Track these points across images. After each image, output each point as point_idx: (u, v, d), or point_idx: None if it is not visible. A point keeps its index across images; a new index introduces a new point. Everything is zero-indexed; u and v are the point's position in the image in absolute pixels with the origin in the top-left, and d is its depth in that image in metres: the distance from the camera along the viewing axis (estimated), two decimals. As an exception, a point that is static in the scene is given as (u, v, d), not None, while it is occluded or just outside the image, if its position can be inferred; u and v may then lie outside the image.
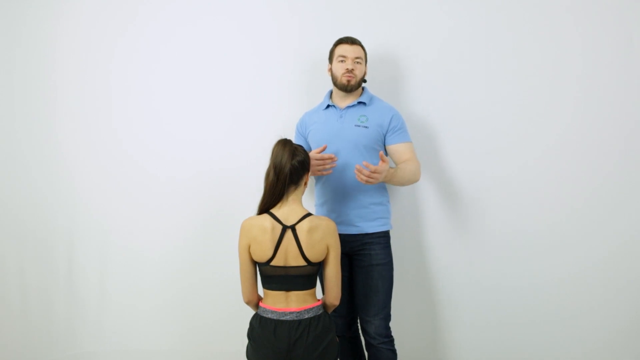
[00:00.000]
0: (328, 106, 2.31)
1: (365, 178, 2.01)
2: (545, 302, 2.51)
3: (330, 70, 2.31)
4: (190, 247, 2.75)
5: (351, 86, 2.24)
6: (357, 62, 2.24)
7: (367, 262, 2.20)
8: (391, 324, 2.24)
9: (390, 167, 2.13)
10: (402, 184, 2.28)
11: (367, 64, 2.36)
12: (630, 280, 2.44)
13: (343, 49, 2.25)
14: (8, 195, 2.72)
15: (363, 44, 2.30)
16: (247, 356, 1.96)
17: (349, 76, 2.23)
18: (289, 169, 1.90)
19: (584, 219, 2.47)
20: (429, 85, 2.56)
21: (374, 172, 2.01)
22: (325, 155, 2.13)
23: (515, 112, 2.51)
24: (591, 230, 2.47)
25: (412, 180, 2.26)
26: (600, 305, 2.47)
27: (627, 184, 2.44)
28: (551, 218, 2.49)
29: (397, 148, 2.26)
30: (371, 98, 2.31)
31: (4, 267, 2.71)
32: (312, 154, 2.11)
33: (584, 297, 2.48)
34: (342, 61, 2.24)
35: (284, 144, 1.94)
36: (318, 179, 2.30)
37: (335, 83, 2.28)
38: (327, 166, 2.13)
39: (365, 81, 2.32)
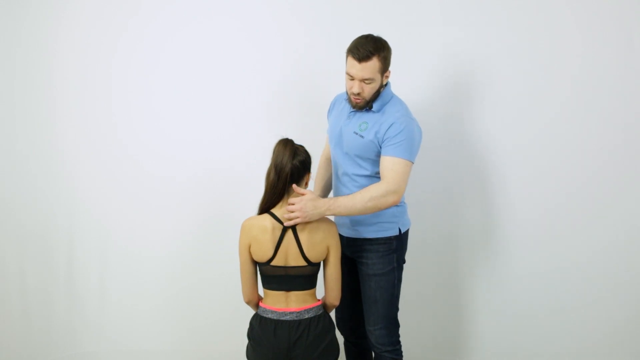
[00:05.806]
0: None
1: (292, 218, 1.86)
2: (552, 296, 2.55)
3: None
4: (190, 247, 2.75)
5: (359, 107, 2.03)
6: (367, 83, 1.95)
7: (364, 271, 2.11)
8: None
9: (328, 198, 1.95)
10: (356, 214, 1.96)
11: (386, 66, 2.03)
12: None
13: (352, 65, 1.94)
14: (8, 195, 2.71)
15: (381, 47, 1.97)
16: (247, 356, 1.96)
17: (356, 99, 2.00)
18: (289, 168, 1.90)
19: (584, 216, 2.50)
20: (429, 84, 2.56)
21: (290, 210, 1.86)
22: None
23: (515, 111, 2.52)
24: (592, 224, 2.50)
25: (369, 210, 1.92)
26: (606, 296, 2.50)
27: (627, 184, 2.46)
28: (551, 214, 2.52)
29: (382, 160, 1.97)
30: (384, 105, 2.04)
31: (4, 267, 2.70)
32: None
33: (588, 289, 2.52)
34: (350, 79, 1.98)
35: (285, 143, 1.93)
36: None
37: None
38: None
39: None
